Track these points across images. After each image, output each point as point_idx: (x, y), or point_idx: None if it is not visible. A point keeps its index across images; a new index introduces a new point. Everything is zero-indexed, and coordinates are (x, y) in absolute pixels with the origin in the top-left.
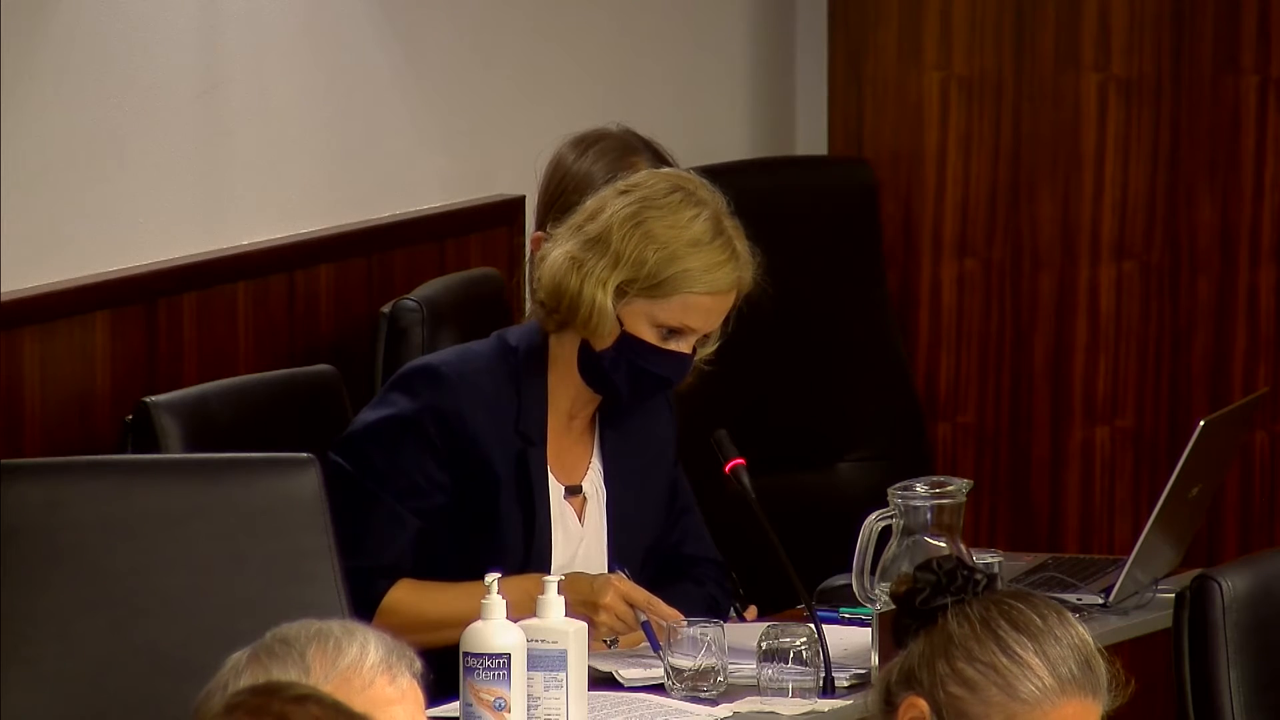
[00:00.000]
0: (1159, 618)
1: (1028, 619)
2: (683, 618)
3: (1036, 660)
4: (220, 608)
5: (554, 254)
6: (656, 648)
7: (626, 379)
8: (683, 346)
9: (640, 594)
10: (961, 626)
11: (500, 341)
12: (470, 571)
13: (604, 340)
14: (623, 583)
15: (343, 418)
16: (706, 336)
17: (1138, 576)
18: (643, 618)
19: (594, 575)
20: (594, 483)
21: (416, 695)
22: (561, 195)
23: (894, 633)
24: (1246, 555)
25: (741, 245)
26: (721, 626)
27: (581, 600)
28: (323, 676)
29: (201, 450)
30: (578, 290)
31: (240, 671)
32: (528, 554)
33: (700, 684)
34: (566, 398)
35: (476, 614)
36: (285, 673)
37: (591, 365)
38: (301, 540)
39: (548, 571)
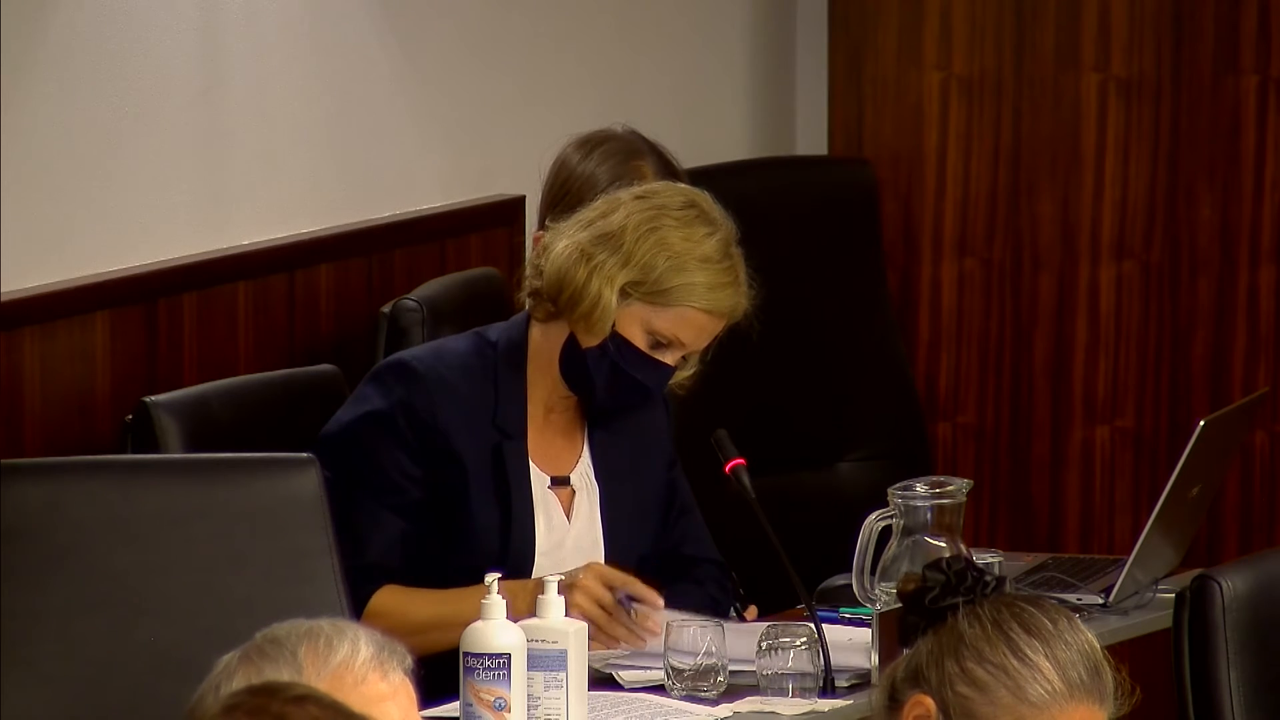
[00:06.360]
0: (1159, 618)
1: (1039, 622)
2: (661, 601)
3: (1047, 664)
4: (220, 608)
5: (561, 244)
6: (629, 608)
7: (606, 379)
8: (667, 358)
9: (619, 576)
10: (972, 627)
11: (478, 338)
12: (447, 566)
13: (595, 337)
14: (602, 567)
15: None
16: (685, 359)
17: (1138, 576)
18: (620, 594)
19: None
20: (583, 475)
21: (409, 691)
22: (565, 196)
23: (900, 631)
24: (1246, 555)
25: (743, 275)
26: (721, 626)
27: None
28: (315, 675)
29: (201, 450)
30: (584, 282)
31: (232, 673)
32: (505, 547)
33: (700, 684)
34: (545, 390)
35: (463, 616)
36: (278, 672)
37: (575, 361)
38: (301, 540)
39: (530, 564)
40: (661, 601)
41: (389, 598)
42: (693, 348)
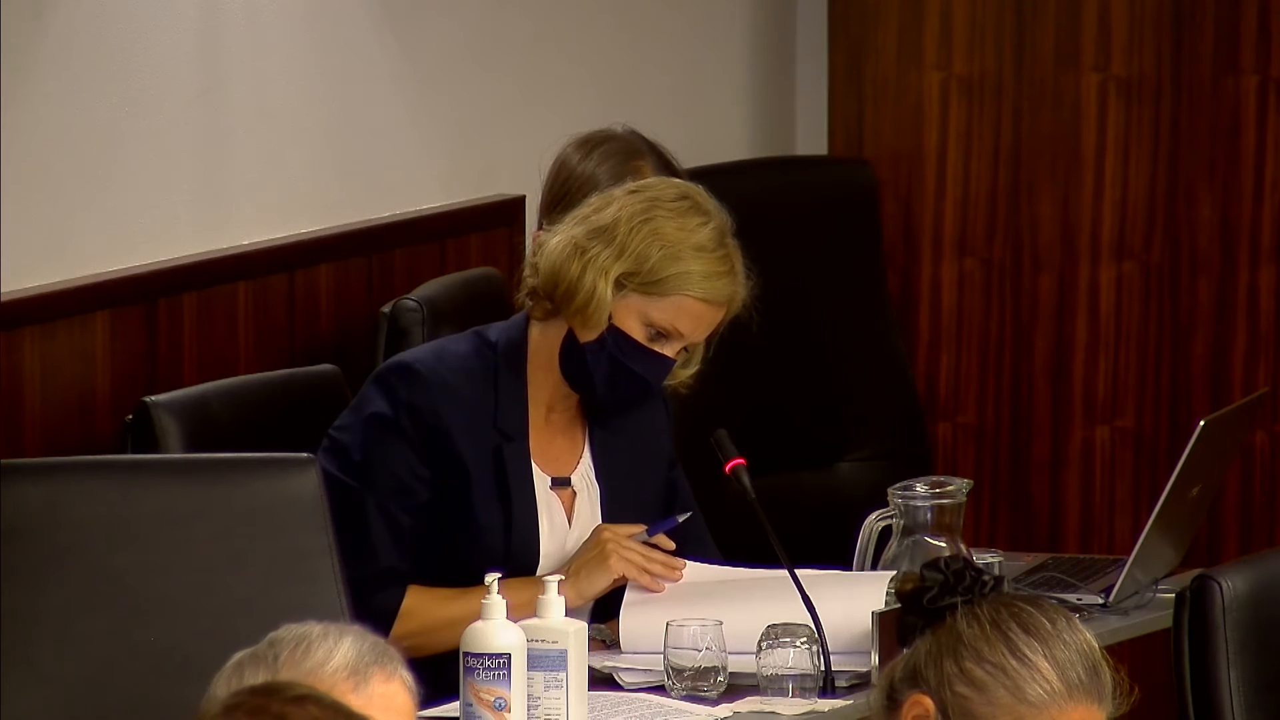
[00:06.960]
0: (1159, 618)
1: (1038, 622)
2: (670, 544)
3: (1045, 664)
4: (220, 608)
5: (554, 240)
6: (661, 528)
7: (606, 374)
8: (667, 350)
9: (627, 528)
10: (971, 627)
11: (478, 338)
12: (452, 568)
13: (592, 331)
14: (613, 528)
15: None
16: (688, 353)
17: (1138, 576)
18: (640, 538)
19: None
20: (584, 476)
21: (391, 702)
22: (565, 196)
23: (899, 631)
24: (1246, 555)
25: (739, 265)
26: (721, 626)
27: (586, 559)
28: (287, 679)
29: (201, 450)
30: (578, 276)
31: (222, 673)
32: (508, 549)
33: (700, 684)
34: (546, 390)
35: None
36: (257, 674)
37: (574, 356)
38: (301, 540)
39: (534, 565)
40: (672, 545)
41: (420, 596)
42: (692, 338)
